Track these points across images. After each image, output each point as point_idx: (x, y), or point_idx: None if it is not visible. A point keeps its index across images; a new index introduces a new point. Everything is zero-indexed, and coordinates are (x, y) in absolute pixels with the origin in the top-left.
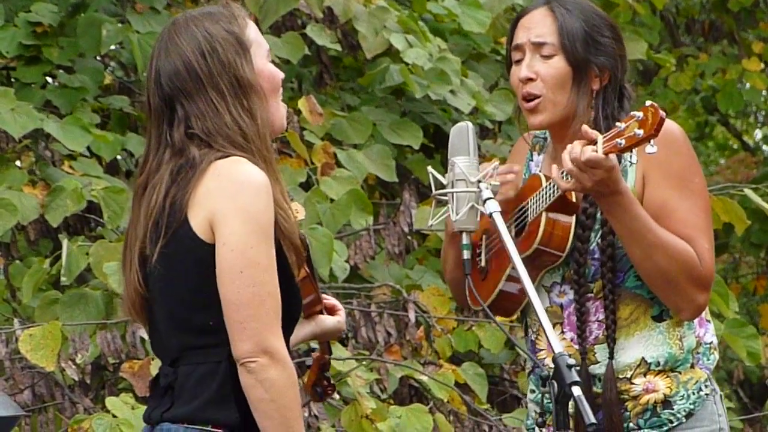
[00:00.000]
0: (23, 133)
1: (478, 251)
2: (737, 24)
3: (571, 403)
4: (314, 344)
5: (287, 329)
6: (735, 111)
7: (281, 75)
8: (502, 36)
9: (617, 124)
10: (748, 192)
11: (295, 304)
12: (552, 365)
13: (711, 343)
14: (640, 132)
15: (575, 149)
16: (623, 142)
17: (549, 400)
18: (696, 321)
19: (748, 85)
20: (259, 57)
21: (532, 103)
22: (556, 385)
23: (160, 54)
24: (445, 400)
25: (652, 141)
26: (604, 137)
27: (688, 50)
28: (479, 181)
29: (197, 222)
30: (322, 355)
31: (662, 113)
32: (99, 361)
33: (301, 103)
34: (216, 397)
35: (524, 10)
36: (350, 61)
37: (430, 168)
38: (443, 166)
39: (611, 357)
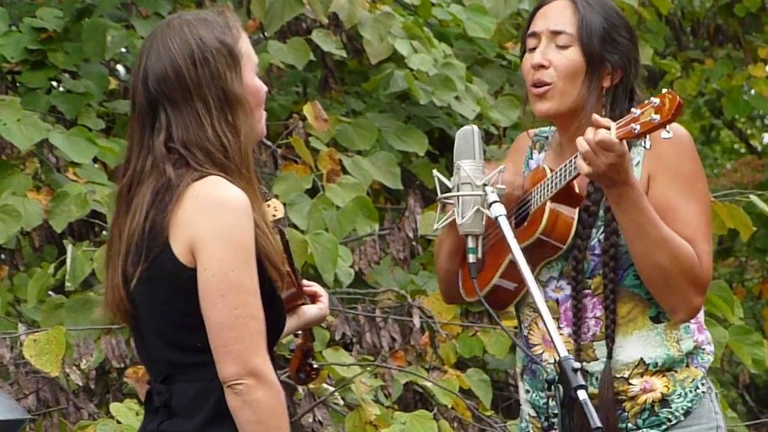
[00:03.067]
0: (30, 146)
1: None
2: (742, 28)
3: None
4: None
5: (272, 346)
6: (741, 117)
7: (265, 89)
8: (508, 41)
9: (632, 110)
10: (753, 198)
11: (279, 321)
12: (547, 361)
13: (706, 348)
14: (657, 117)
15: (589, 133)
16: (638, 127)
17: (554, 404)
18: (694, 327)
19: (753, 90)
20: (247, 71)
21: (541, 89)
22: (561, 389)
23: (150, 53)
24: (450, 406)
25: (667, 127)
26: (618, 123)
27: (694, 54)
28: (485, 185)
29: (178, 247)
30: (305, 342)
31: (680, 99)
32: (103, 366)
33: (307, 109)
34: (214, 415)
35: (544, 0)
36: (355, 65)
37: (435, 171)
38: (448, 171)
39: (609, 357)
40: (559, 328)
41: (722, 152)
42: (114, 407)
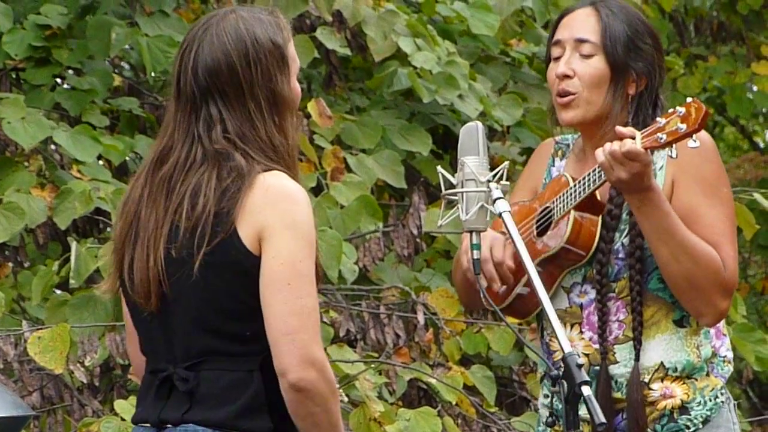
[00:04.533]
0: (34, 144)
1: None
2: (745, 25)
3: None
4: None
5: None
6: (745, 115)
7: (300, 95)
8: (512, 38)
9: (657, 119)
10: (757, 196)
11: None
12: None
13: (725, 356)
14: (683, 126)
15: (614, 144)
16: (664, 136)
17: (558, 400)
18: (713, 332)
19: (755, 87)
20: (293, 74)
21: (566, 98)
22: (565, 384)
23: (202, 43)
24: (454, 403)
25: (694, 136)
26: (643, 133)
27: (697, 50)
28: (489, 181)
29: (246, 234)
30: None
31: (706, 108)
32: (108, 363)
33: (311, 106)
34: (250, 406)
35: (568, 8)
36: (359, 61)
37: (439, 168)
38: (453, 167)
39: (637, 359)
40: (581, 332)
41: (726, 149)
42: (118, 404)
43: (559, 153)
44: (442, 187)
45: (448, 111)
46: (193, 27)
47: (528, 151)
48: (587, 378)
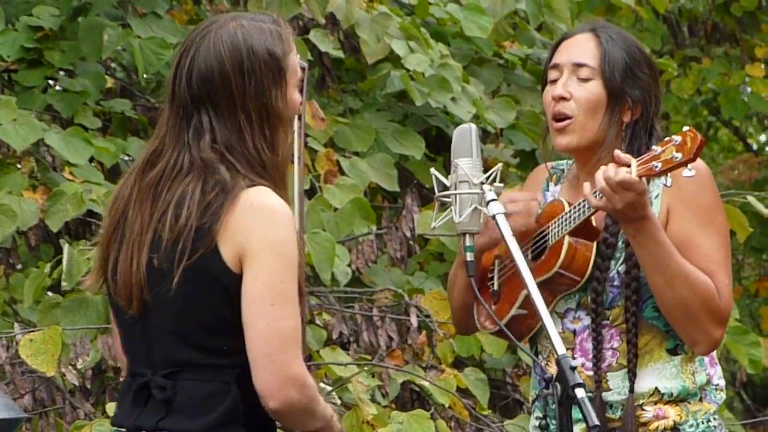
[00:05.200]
0: (25, 146)
1: (490, 275)
2: (739, 27)
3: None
4: None
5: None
6: (739, 117)
7: (300, 101)
8: (505, 40)
9: (653, 147)
10: (750, 199)
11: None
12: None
13: (718, 384)
14: (678, 155)
15: (609, 170)
16: (660, 165)
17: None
18: (707, 360)
19: (749, 89)
20: (291, 85)
21: (562, 123)
22: (559, 387)
23: (199, 49)
24: (447, 406)
25: (689, 165)
26: (639, 160)
27: (691, 52)
28: (482, 183)
29: (227, 251)
30: None
31: (701, 138)
32: (100, 365)
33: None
34: (225, 418)
35: (568, 33)
36: (352, 63)
37: (433, 170)
38: (446, 169)
39: (632, 391)
40: (573, 358)
41: (720, 150)
42: (110, 407)
43: (554, 178)
44: (436, 189)
45: (441, 113)
46: (194, 30)
47: (521, 154)
48: (581, 380)
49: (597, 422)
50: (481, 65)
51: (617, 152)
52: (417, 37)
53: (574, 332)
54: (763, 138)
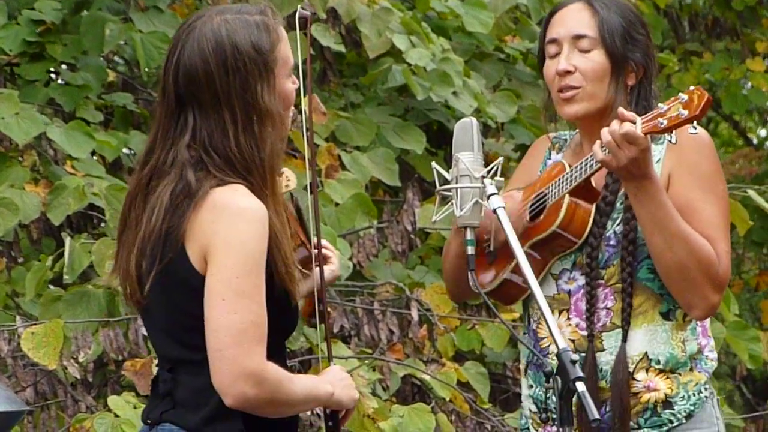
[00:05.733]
0: (27, 140)
1: (486, 237)
2: (740, 21)
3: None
4: None
5: (281, 346)
6: (739, 112)
7: (295, 92)
8: (506, 35)
9: (659, 105)
10: (751, 193)
11: (289, 327)
12: (554, 353)
13: (709, 356)
14: (685, 112)
15: (614, 124)
16: (665, 122)
17: (552, 396)
18: (700, 330)
19: (750, 84)
20: (281, 77)
21: (569, 93)
22: (560, 380)
23: (184, 47)
24: (447, 399)
25: (694, 123)
26: (644, 117)
27: (692, 46)
28: (483, 177)
29: (193, 253)
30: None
31: (708, 96)
32: (101, 358)
33: (305, 102)
34: (217, 412)
35: (558, 5)
36: (353, 57)
37: (434, 164)
38: (447, 163)
39: (624, 340)
40: (568, 319)
41: (720, 145)
42: (112, 400)
43: (556, 147)
44: (437, 183)
45: (442, 107)
46: (181, 26)
47: (522, 148)
48: (581, 374)
49: (597, 416)
50: (482, 60)
51: (621, 110)
52: (418, 31)
53: (569, 293)
54: (763, 132)
